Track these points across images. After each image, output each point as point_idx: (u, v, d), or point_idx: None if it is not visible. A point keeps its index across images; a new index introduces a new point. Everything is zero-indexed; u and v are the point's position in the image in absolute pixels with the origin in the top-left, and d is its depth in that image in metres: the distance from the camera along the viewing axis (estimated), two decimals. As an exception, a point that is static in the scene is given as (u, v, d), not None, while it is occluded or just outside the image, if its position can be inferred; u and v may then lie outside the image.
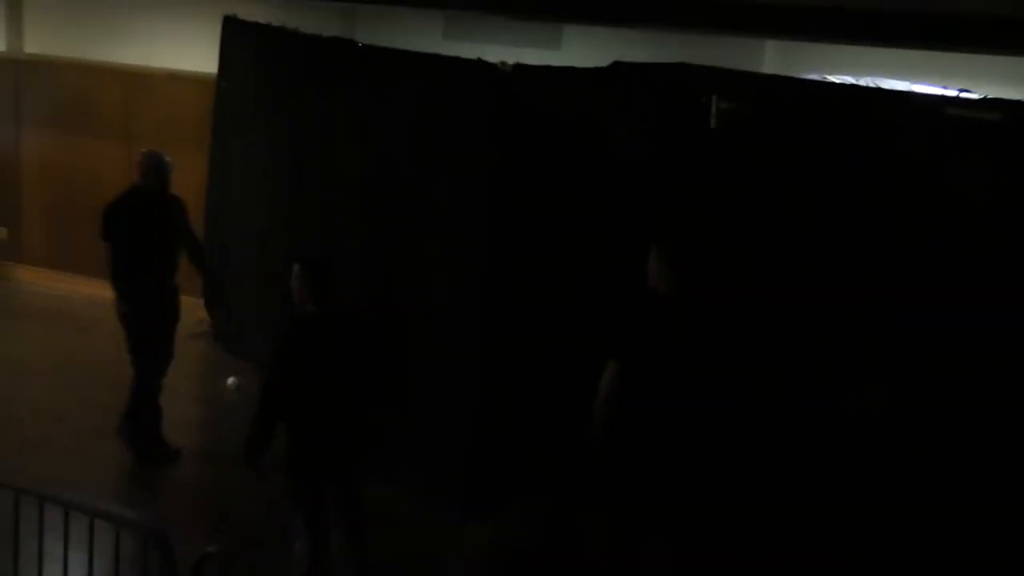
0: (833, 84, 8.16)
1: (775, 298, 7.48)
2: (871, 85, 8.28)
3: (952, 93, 7.43)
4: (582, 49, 10.32)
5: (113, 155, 12.77)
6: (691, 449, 6.96)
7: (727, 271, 7.53)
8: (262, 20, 10.85)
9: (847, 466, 7.31)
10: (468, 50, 9.30)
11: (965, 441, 7.00)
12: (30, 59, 13.45)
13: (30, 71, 13.30)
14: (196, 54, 12.18)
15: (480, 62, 8.58)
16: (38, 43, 13.56)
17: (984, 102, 7.05)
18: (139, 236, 9.15)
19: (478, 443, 8.55)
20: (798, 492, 7.44)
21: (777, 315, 7.48)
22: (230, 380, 10.88)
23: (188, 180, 12.19)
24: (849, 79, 8.86)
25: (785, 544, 7.43)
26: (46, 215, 13.32)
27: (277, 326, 9.92)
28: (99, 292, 12.87)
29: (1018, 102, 6.95)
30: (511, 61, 8.52)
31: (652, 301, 6.94)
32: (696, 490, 7.12)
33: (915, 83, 8.85)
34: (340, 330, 7.13)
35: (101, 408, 9.82)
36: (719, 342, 7.04)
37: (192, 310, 12.20)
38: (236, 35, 11.30)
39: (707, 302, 7.04)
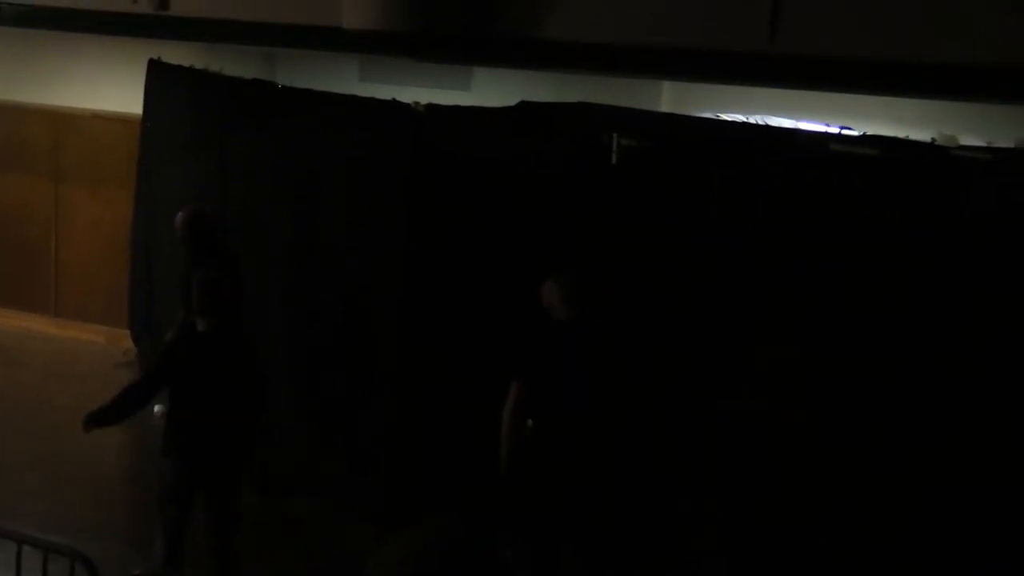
0: (725, 122, 8.32)
1: (665, 320, 7.61)
2: (760, 123, 8.46)
3: (834, 130, 7.62)
4: (491, 90, 10.41)
5: (41, 192, 12.63)
6: (590, 463, 7.04)
7: (623, 298, 7.64)
8: (186, 63, 10.81)
9: (735, 468, 7.43)
10: (383, 91, 9.36)
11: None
12: (-41, 101, 13.29)
13: (-41, 112, 13.15)
14: (122, 95, 12.10)
15: (395, 103, 8.64)
16: (-32, 85, 13.41)
17: (864, 139, 7.24)
18: None
19: (396, 456, 8.58)
20: (697, 499, 7.54)
21: (667, 334, 7.60)
22: (156, 408, 10.77)
23: (114, 215, 12.13)
24: (740, 117, 9.06)
25: (696, 554, 7.52)
26: (14, 257, 13.13)
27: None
28: (26, 324, 12.74)
29: (894, 138, 7.14)
30: (424, 102, 8.59)
31: (550, 326, 7.03)
32: (596, 506, 7.19)
33: (800, 121, 9.05)
34: (227, 347, 7.15)
35: (26, 436, 9.69)
36: (613, 364, 7.12)
37: (118, 340, 12.13)
38: (161, 77, 11.25)
39: (601, 327, 7.13)
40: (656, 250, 7.73)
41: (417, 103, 8.54)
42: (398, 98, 8.72)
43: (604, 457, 7.11)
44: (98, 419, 7.07)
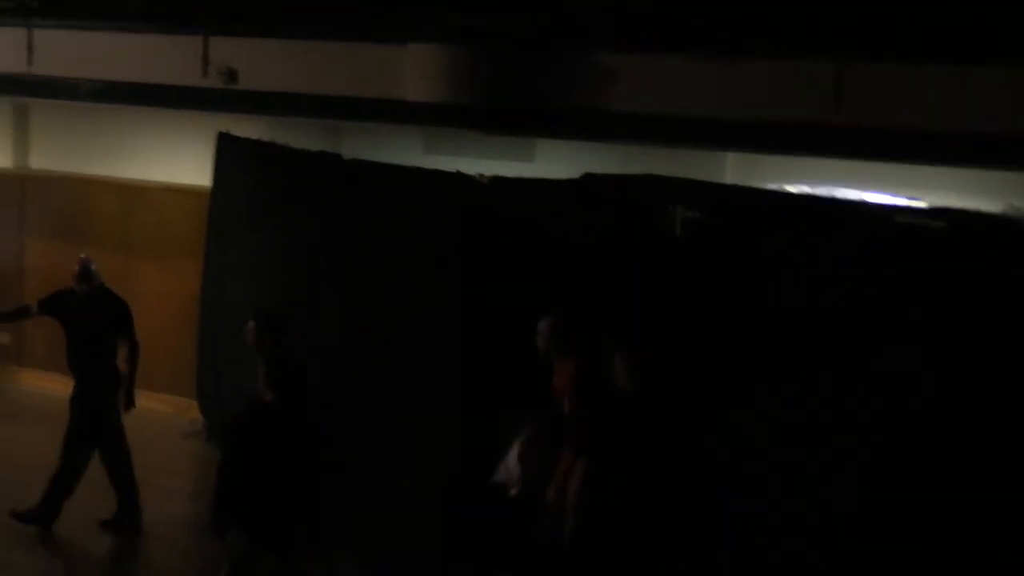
0: (790, 193, 8.23)
1: (730, 395, 7.48)
2: (826, 195, 8.36)
3: (902, 202, 7.50)
4: (555, 162, 10.39)
5: (111, 262, 12.74)
6: (655, 535, 6.93)
7: (686, 372, 7.52)
8: (254, 136, 10.92)
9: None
10: (447, 163, 9.38)
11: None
12: (35, 174, 13.49)
13: (34, 185, 13.34)
14: (191, 168, 12.24)
15: (459, 174, 8.65)
16: (43, 159, 13.61)
17: (932, 211, 7.11)
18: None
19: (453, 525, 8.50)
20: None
21: (729, 409, 7.48)
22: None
23: (182, 287, 12.22)
24: (806, 189, 8.96)
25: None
26: (47, 320, 13.24)
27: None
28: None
29: (964, 210, 7.00)
30: (488, 173, 8.59)
31: (617, 401, 6.94)
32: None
33: (867, 192, 8.93)
34: (291, 419, 7.14)
35: (94, 505, 9.71)
36: (675, 438, 7.02)
37: (185, 410, 12.16)
38: (229, 150, 11.38)
39: (665, 401, 7.03)
40: (721, 324, 7.61)
41: (481, 175, 8.54)
42: (462, 170, 8.74)
43: (674, 537, 6.99)
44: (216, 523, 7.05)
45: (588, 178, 8.20)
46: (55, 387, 12.93)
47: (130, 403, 9.63)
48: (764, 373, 7.41)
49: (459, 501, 8.40)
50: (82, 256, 9.81)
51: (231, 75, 10.53)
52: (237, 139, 11.24)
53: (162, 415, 12.04)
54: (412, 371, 8.81)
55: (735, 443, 7.45)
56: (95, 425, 9.49)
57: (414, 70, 9.57)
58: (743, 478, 7.40)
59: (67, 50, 11.42)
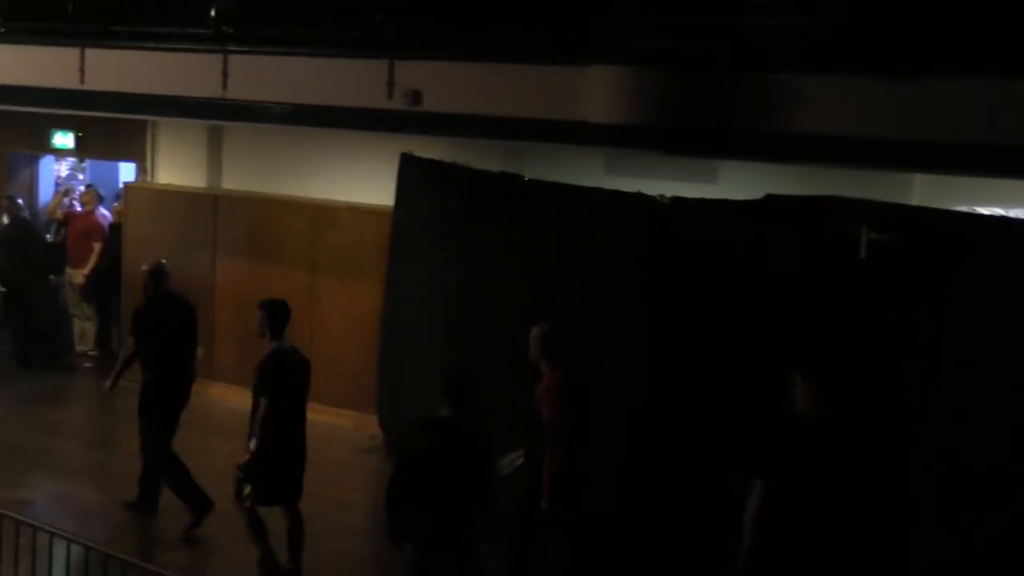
0: (980, 215, 7.99)
1: (913, 420, 7.29)
2: (1020, 217, 8.10)
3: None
4: (736, 183, 10.30)
5: (297, 281, 13.08)
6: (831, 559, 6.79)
7: (871, 396, 7.36)
8: (436, 156, 11.09)
9: None
10: (628, 184, 9.38)
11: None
12: (227, 194, 13.95)
13: (226, 204, 13.78)
14: (375, 188, 12.48)
15: (640, 195, 8.64)
16: (234, 180, 14.08)
17: None
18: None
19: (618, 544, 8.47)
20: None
21: (912, 434, 7.28)
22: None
23: (365, 304, 12.46)
24: (999, 211, 8.69)
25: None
26: (235, 335, 13.65)
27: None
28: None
29: None
30: (669, 194, 8.56)
31: (797, 423, 6.83)
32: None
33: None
34: (466, 433, 7.26)
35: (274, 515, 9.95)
36: (861, 463, 6.87)
37: (364, 425, 12.38)
38: (412, 170, 11.56)
39: (850, 424, 6.89)
40: (906, 348, 7.43)
41: (662, 195, 8.52)
42: (643, 190, 8.72)
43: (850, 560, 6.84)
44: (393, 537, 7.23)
45: (770, 199, 8.11)
46: (242, 400, 13.31)
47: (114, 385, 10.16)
48: (950, 399, 7.21)
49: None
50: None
51: (415, 97, 10.71)
52: (419, 159, 11.42)
53: (343, 430, 12.28)
54: (594, 389, 8.79)
55: (918, 469, 7.27)
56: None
57: (596, 92, 9.60)
58: (928, 504, 7.21)
59: (259, 75, 11.79)
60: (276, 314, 8.71)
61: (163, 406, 10.01)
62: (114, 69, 12.67)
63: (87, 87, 12.78)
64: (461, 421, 7.20)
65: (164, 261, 10.41)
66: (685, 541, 8.11)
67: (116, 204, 15.42)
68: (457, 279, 10.49)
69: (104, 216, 15.16)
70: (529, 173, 10.58)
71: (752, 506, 6.75)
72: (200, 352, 13.74)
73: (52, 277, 14.95)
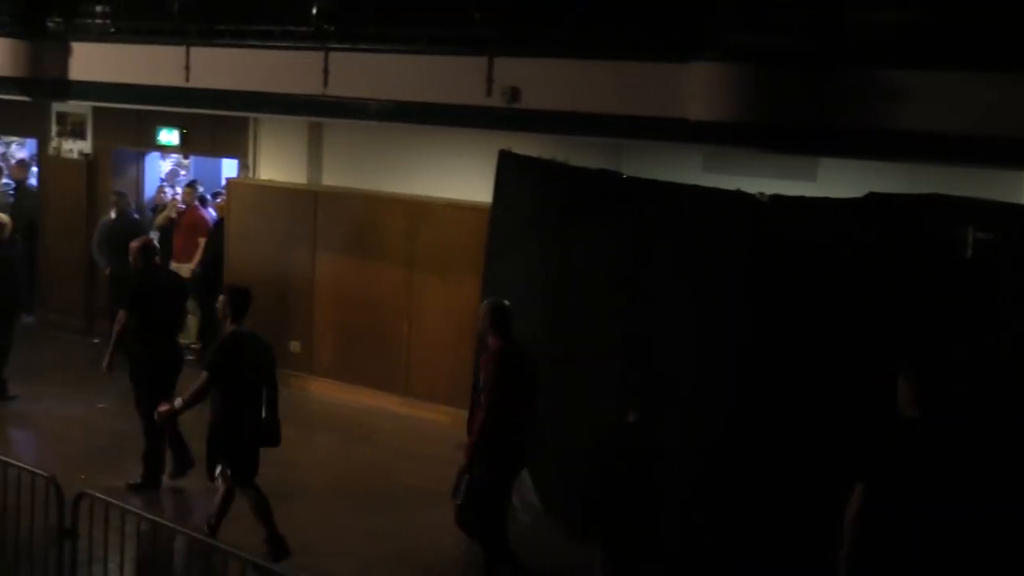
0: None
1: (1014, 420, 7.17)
2: None
3: None
4: (837, 181, 10.19)
5: (396, 277, 13.20)
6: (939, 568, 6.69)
7: (977, 397, 7.24)
8: (534, 153, 11.11)
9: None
10: (727, 181, 9.32)
11: None
12: (327, 190, 14.11)
13: (326, 200, 13.94)
14: (473, 185, 12.54)
15: (739, 193, 8.58)
16: (334, 176, 14.24)
17: None
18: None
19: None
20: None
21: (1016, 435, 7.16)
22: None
23: (462, 301, 12.52)
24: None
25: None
26: (334, 331, 13.83)
27: (545, 439, 10.03)
28: (378, 402, 13.28)
29: None
30: (768, 192, 8.50)
31: (900, 425, 6.75)
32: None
33: None
34: None
35: (367, 510, 10.06)
36: (965, 465, 6.77)
37: (462, 421, 12.43)
38: (510, 167, 11.59)
39: (954, 426, 6.79)
40: (1012, 348, 7.30)
41: (762, 193, 8.46)
42: (742, 188, 8.67)
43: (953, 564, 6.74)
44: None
45: (872, 197, 8.01)
46: (341, 395, 13.52)
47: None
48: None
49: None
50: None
51: (514, 94, 10.75)
52: (517, 156, 11.45)
53: (439, 426, 12.36)
54: (688, 388, 8.78)
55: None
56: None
57: (696, 89, 9.56)
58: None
59: (359, 72, 11.91)
60: (237, 299, 9.14)
61: (154, 376, 10.49)
62: (218, 67, 12.88)
63: (192, 85, 13.01)
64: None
65: (153, 238, 11.39)
66: (783, 543, 8.05)
67: (218, 200, 15.66)
68: (553, 276, 10.50)
69: (208, 211, 15.43)
70: (627, 170, 10.57)
71: (852, 508, 6.69)
72: (298, 347, 14.03)
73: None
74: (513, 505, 9.12)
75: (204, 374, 9.05)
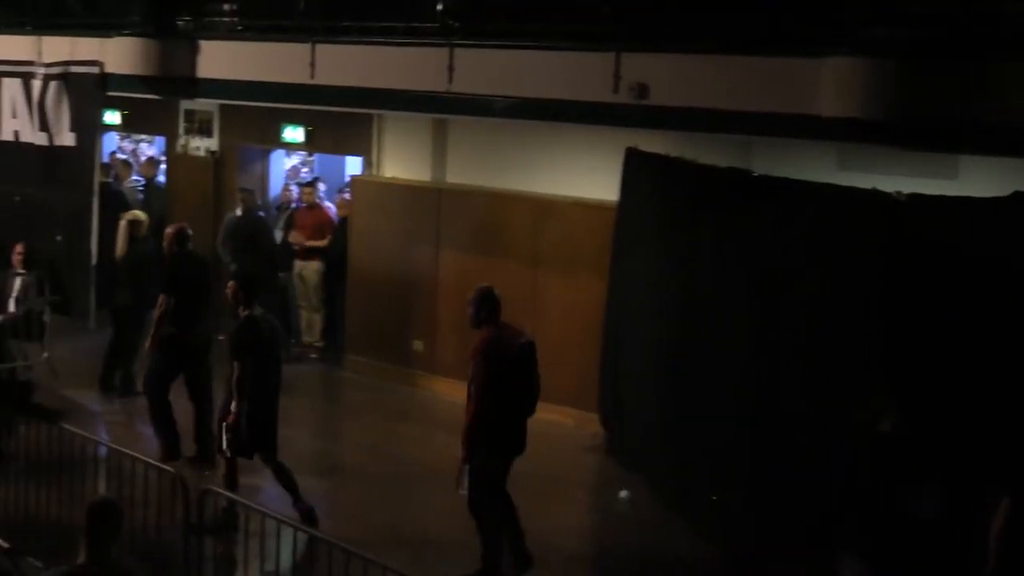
0: None
1: None
2: None
3: None
4: (979, 179, 9.90)
5: (520, 276, 13.16)
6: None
7: None
8: (662, 151, 11.00)
9: None
10: (863, 180, 9.13)
11: None
12: (451, 188, 14.14)
13: (450, 198, 13.97)
14: (599, 183, 12.46)
15: (875, 192, 8.39)
16: (458, 173, 14.26)
17: None
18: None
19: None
20: None
21: None
22: (622, 493, 10.88)
23: (587, 301, 12.46)
24: None
25: None
26: (457, 330, 13.82)
27: (670, 442, 9.94)
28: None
29: None
30: (906, 191, 8.29)
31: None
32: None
33: None
34: None
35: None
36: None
37: (586, 423, 12.39)
38: (636, 165, 11.52)
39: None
40: None
41: (899, 192, 8.26)
42: (878, 187, 8.47)
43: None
44: None
45: (1019, 196, 7.76)
46: (464, 395, 13.50)
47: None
48: None
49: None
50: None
51: (642, 91, 10.63)
52: (644, 154, 11.36)
53: (565, 428, 12.30)
54: (822, 390, 8.65)
55: None
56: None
57: (830, 84, 9.36)
58: None
59: (484, 69, 11.89)
60: (249, 286, 9.81)
61: (180, 358, 11.18)
62: (342, 64, 12.97)
63: (316, 82, 13.12)
64: None
65: (186, 224, 11.93)
66: (926, 557, 7.84)
67: (339, 198, 15.80)
68: (679, 277, 10.41)
69: (331, 209, 15.57)
70: (758, 169, 10.40)
71: (998, 523, 6.48)
72: (420, 346, 14.09)
73: (281, 275, 15.41)
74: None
75: (235, 364, 9.59)
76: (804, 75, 9.65)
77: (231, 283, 9.91)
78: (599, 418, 12.16)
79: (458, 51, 11.97)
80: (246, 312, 9.71)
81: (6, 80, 15.80)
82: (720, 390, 9.60)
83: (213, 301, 12.18)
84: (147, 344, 11.39)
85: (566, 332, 12.74)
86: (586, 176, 12.96)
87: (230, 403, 9.65)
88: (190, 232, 11.79)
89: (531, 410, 9.22)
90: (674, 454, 10.27)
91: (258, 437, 9.75)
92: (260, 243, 15.22)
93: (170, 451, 10.96)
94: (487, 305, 9.03)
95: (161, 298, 11.21)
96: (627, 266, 11.60)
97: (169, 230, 11.76)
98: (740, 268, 9.58)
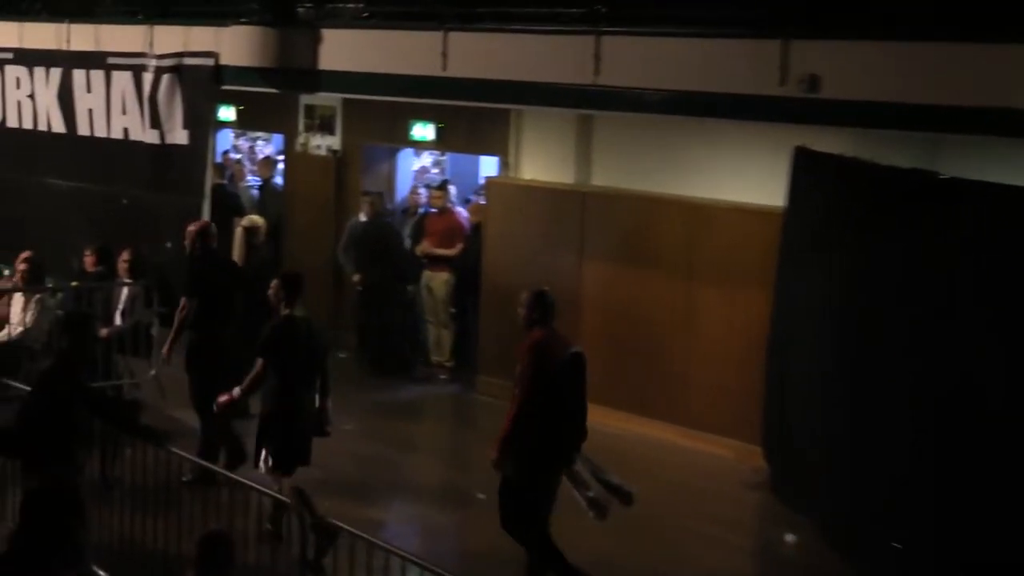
0: None
1: None
2: None
3: None
4: None
5: (672, 289, 13.09)
6: None
7: None
8: (836, 150, 10.85)
9: None
10: (1068, 182, 8.93)
11: None
12: (596, 191, 14.13)
13: (595, 202, 13.96)
14: (763, 186, 12.33)
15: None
16: (605, 175, 14.25)
17: None
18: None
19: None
20: None
21: None
22: (788, 536, 10.74)
23: (749, 319, 12.33)
24: None
25: None
26: (602, 347, 13.73)
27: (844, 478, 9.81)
28: (648, 430, 13.13)
29: None
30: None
31: None
32: None
33: None
34: None
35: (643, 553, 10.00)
36: None
37: (747, 456, 12.25)
38: (807, 166, 11.38)
39: None
40: None
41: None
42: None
43: None
44: None
45: None
46: (606, 420, 13.46)
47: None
48: None
49: None
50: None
51: (813, 83, 10.55)
52: (816, 154, 11.23)
53: (722, 461, 12.22)
54: (982, 406, 8.67)
55: None
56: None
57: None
58: None
59: (635, 59, 11.89)
60: (291, 285, 10.07)
61: (211, 367, 11.37)
62: (477, 54, 13.07)
63: (449, 74, 13.22)
64: None
65: (211, 221, 12.44)
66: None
67: (471, 202, 15.86)
68: (854, 292, 10.26)
69: (463, 214, 15.62)
70: (946, 170, 10.21)
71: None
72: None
73: (409, 288, 15.52)
74: None
75: (259, 360, 9.84)
76: (999, 64, 9.54)
77: (274, 282, 10.19)
78: (763, 451, 12.01)
79: (606, 39, 11.99)
80: (287, 311, 9.98)
81: (115, 73, 16.25)
82: (904, 419, 9.45)
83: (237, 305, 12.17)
84: (164, 351, 11.76)
85: (725, 353, 12.64)
86: (748, 179, 12.86)
87: (268, 418, 9.89)
88: (214, 230, 12.12)
89: (582, 431, 9.35)
90: (848, 492, 10.10)
91: (298, 448, 9.90)
92: (388, 252, 15.34)
93: (235, 455, 11.13)
94: (540, 306, 9.37)
95: (183, 301, 11.54)
96: (796, 280, 11.46)
97: (192, 227, 12.08)
98: (921, 285, 9.42)
